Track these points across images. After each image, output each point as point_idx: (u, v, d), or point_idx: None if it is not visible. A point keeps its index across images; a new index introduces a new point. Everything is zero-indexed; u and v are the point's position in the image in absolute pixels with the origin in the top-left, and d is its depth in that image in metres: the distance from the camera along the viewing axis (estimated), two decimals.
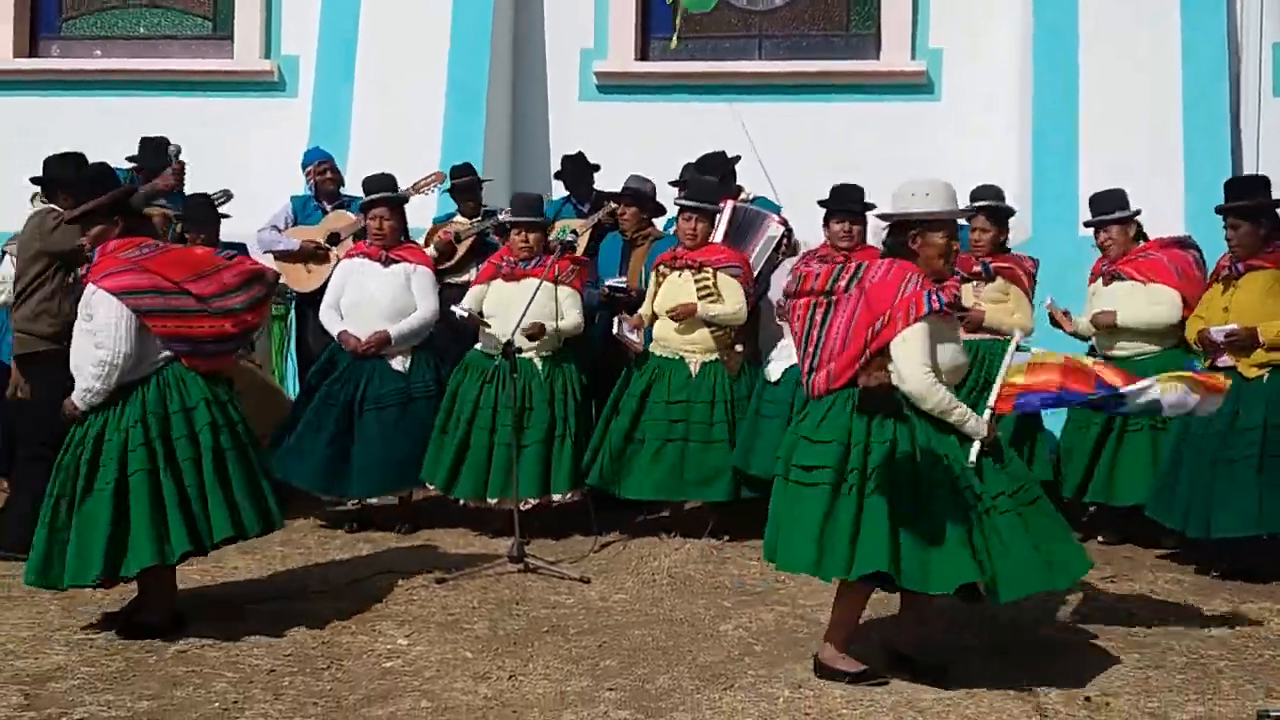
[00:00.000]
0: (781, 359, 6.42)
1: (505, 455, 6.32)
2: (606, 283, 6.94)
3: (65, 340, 5.12)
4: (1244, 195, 5.79)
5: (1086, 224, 6.61)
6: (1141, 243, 6.43)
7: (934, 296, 4.23)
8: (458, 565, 5.95)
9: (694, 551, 6.31)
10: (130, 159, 7.48)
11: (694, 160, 7.47)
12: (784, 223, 6.99)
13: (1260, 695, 4.29)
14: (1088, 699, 4.21)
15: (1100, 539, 6.43)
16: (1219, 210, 5.83)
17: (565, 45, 9.25)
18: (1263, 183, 5.90)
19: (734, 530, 6.49)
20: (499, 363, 6.08)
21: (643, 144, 8.38)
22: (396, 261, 6.64)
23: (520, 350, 6.14)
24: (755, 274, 6.76)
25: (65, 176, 5.94)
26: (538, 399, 6.47)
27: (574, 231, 6.90)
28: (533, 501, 6.43)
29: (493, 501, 6.46)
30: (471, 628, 5.07)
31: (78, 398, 4.82)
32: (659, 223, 7.37)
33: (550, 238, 6.70)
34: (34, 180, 6.41)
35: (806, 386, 4.44)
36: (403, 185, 7.07)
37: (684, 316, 6.40)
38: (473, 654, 4.75)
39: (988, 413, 4.44)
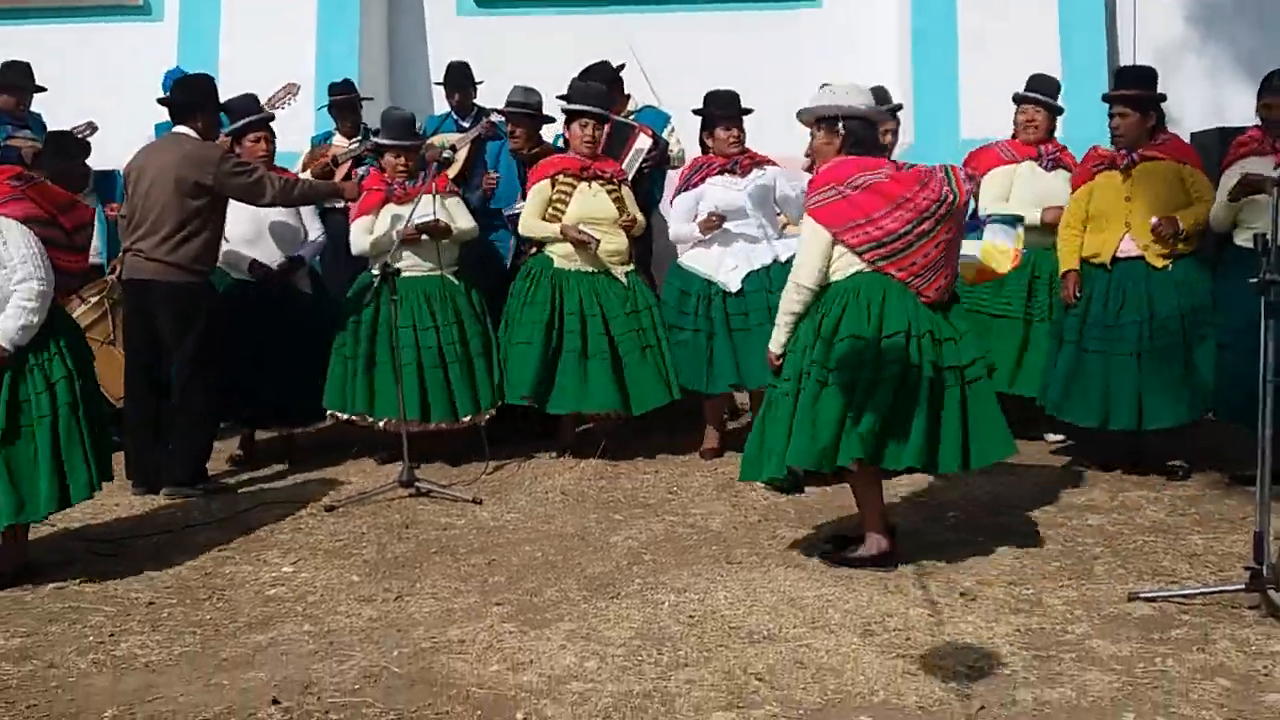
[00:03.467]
0: (725, 271, 6.31)
1: (448, 374, 6.23)
2: (507, 212, 6.82)
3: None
4: (1133, 85, 5.79)
5: (1015, 97, 6.51)
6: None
7: None
8: (347, 493, 5.88)
9: (588, 470, 6.30)
10: None
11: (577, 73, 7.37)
12: (651, 134, 6.94)
13: (1132, 578, 4.42)
14: (962, 593, 4.30)
15: None
16: (1106, 98, 5.81)
17: None
18: (1151, 74, 5.92)
19: (623, 449, 6.52)
20: (375, 284, 5.96)
21: (522, 58, 8.22)
22: None
23: (399, 272, 5.98)
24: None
25: (203, 98, 5.99)
26: (466, 314, 6.34)
27: (452, 147, 6.76)
28: (492, 412, 6.38)
29: (466, 420, 6.31)
30: (359, 553, 5.01)
31: (12, 337, 4.53)
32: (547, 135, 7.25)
33: (430, 153, 6.56)
34: (163, 102, 6.20)
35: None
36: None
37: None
38: (359, 578, 4.69)
39: None
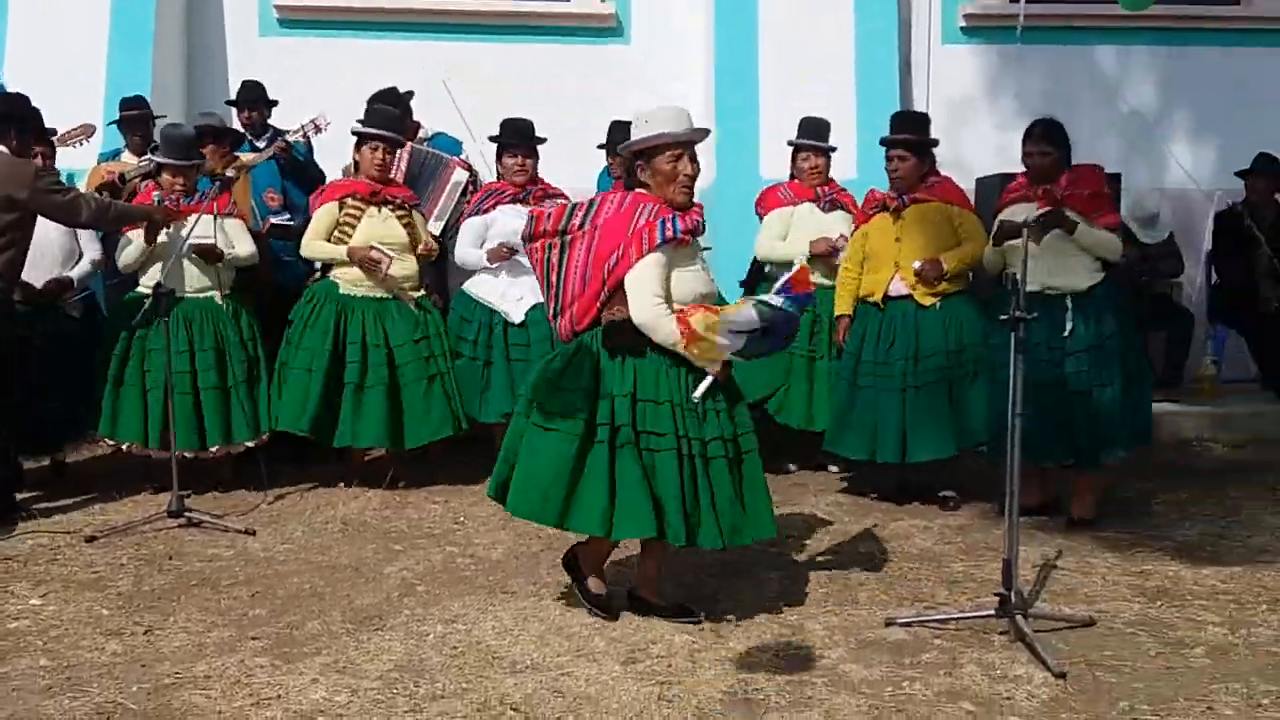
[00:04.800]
0: (510, 301, 6.32)
1: (211, 400, 6.06)
2: (271, 220, 6.68)
3: None
4: (909, 130, 5.99)
5: (790, 143, 6.68)
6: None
7: (668, 224, 4.16)
8: (112, 523, 5.61)
9: (374, 500, 6.16)
10: None
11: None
12: (467, 167, 6.90)
13: (893, 604, 4.51)
14: (728, 619, 4.33)
15: (792, 467, 6.66)
16: (884, 142, 6.01)
17: None
18: (924, 120, 6.14)
19: (415, 477, 6.40)
20: (148, 305, 5.72)
21: (326, 80, 8.11)
22: None
23: (173, 292, 5.77)
24: (445, 219, 6.73)
25: (16, 117, 5.70)
26: (231, 341, 6.15)
27: (239, 167, 6.63)
28: (249, 444, 6.20)
29: (214, 450, 6.12)
30: (114, 585, 4.77)
31: None
32: None
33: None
34: None
35: (554, 330, 4.38)
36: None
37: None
38: (109, 611, 4.46)
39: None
